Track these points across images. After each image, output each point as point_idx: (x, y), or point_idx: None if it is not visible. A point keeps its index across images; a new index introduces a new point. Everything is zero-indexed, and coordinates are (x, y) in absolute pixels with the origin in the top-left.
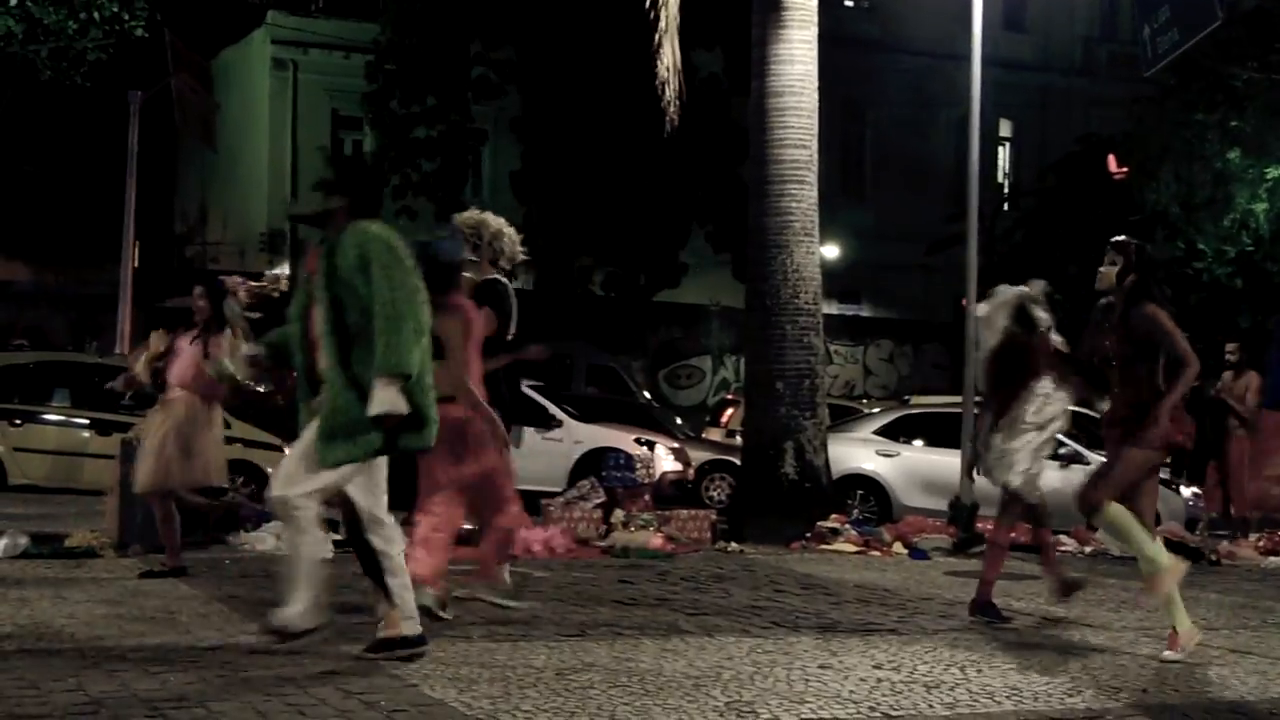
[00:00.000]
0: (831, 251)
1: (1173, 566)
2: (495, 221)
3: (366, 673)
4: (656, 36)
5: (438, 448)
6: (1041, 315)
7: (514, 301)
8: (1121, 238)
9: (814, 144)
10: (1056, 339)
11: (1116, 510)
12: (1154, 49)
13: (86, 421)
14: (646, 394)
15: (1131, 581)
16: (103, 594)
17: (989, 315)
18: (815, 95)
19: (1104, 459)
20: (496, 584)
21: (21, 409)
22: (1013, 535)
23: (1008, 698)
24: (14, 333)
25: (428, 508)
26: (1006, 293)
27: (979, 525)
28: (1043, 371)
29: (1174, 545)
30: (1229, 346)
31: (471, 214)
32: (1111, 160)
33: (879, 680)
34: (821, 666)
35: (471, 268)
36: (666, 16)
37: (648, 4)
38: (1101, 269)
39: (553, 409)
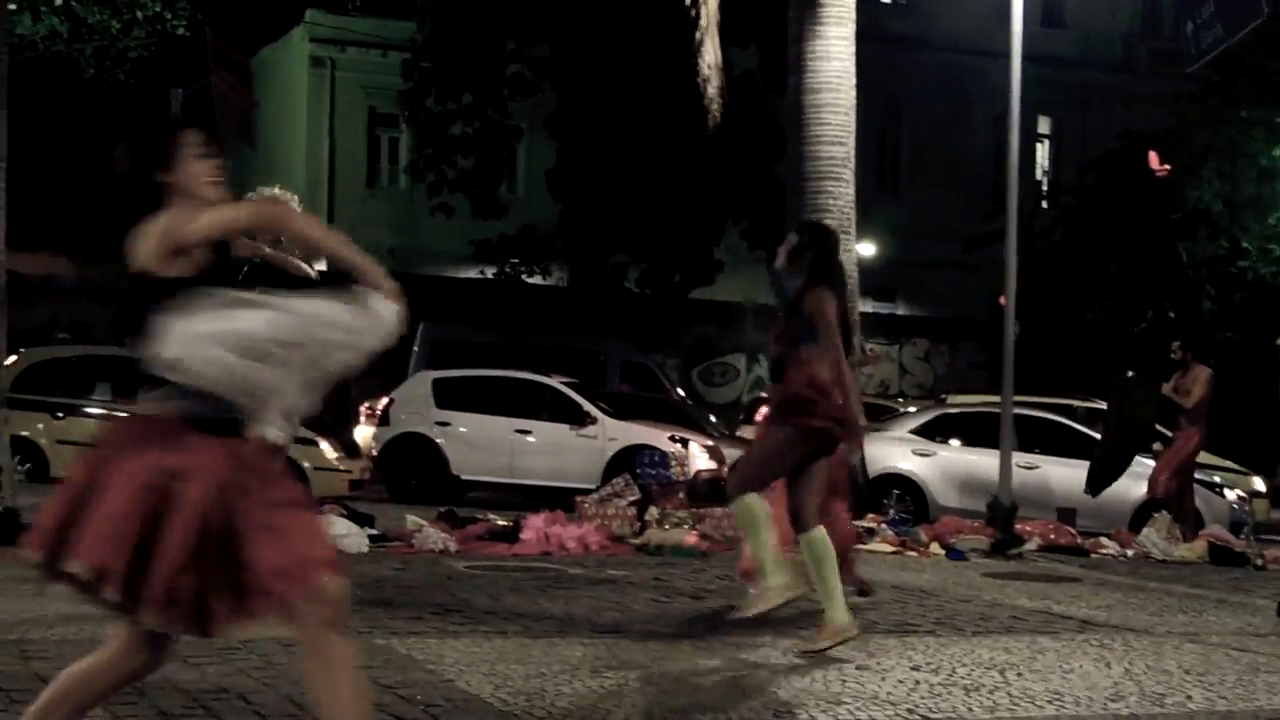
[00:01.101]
0: (867, 249)
1: (781, 589)
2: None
3: (403, 667)
4: (698, 35)
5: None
6: None
7: None
8: (809, 219)
9: (851, 141)
10: None
11: (749, 502)
12: (1197, 45)
13: (127, 415)
14: (680, 391)
15: (1175, 585)
16: None
17: None
18: (852, 92)
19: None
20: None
21: (64, 402)
22: (1052, 537)
23: (1049, 702)
24: (57, 327)
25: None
26: None
27: (1017, 526)
28: None
29: (1219, 550)
30: (1173, 345)
31: (282, 193)
32: (1153, 157)
33: (917, 682)
34: (859, 667)
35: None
36: (707, 14)
37: (688, 2)
38: (779, 248)
39: (587, 406)
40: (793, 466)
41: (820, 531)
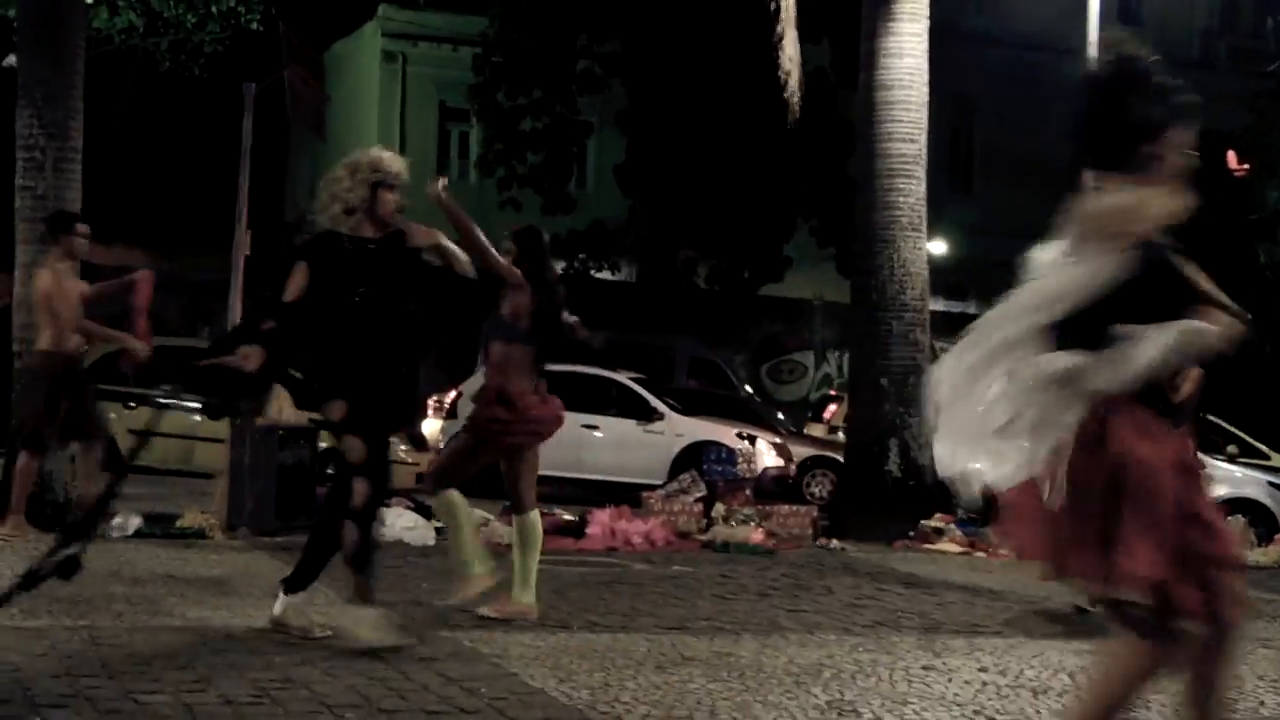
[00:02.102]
0: (938, 247)
1: (479, 580)
2: None
3: (468, 660)
4: (779, 28)
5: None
6: None
7: None
8: (519, 226)
9: (923, 138)
10: None
11: (449, 497)
12: (1278, 41)
13: (198, 405)
14: (748, 388)
15: (1248, 590)
16: (212, 574)
17: None
18: (925, 89)
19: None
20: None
21: (135, 392)
22: None
23: None
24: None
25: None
26: None
27: None
28: None
29: None
30: None
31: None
32: (1231, 156)
33: (984, 683)
34: (925, 667)
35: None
36: (787, 7)
37: None
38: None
39: (654, 401)
40: (485, 467)
41: (535, 515)
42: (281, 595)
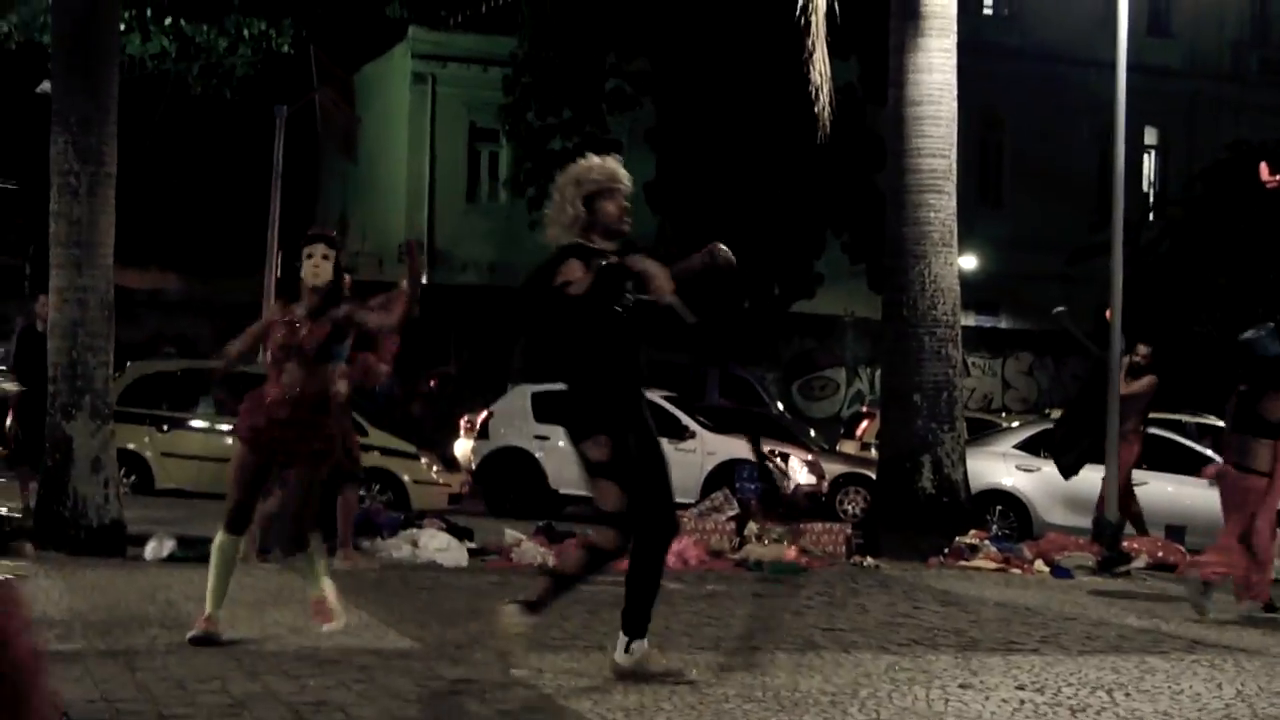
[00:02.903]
0: (969, 262)
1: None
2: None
3: (504, 683)
4: (809, 44)
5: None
6: None
7: None
8: (324, 229)
9: (952, 153)
10: None
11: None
12: None
13: (231, 428)
14: (780, 405)
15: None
16: (245, 597)
17: None
18: (954, 104)
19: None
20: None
21: (169, 415)
22: (1160, 555)
23: None
24: (163, 340)
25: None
26: None
27: (1124, 543)
28: None
29: None
30: (1141, 350)
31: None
32: (1264, 168)
33: (1022, 702)
34: (962, 686)
35: None
36: (817, 23)
37: (798, 11)
38: (318, 265)
39: (685, 420)
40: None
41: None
42: (627, 643)
